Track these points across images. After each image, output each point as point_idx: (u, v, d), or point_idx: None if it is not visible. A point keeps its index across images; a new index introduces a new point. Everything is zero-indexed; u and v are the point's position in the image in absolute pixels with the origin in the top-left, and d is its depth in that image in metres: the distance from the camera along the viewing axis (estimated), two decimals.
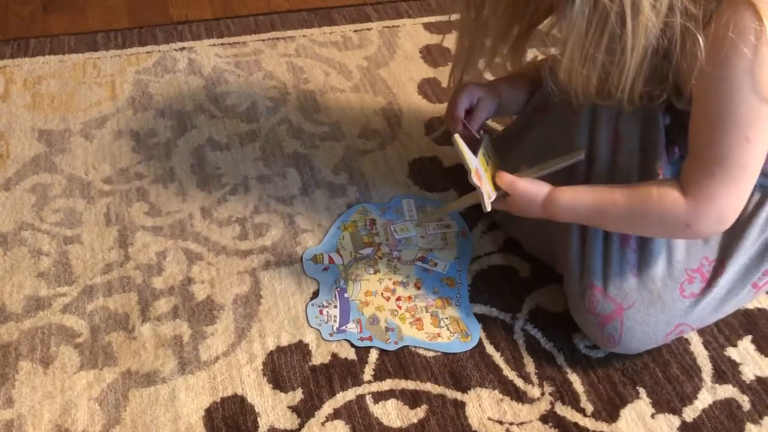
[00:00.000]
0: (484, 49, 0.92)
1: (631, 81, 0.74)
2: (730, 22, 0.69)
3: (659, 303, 0.84)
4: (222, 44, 1.39)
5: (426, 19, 1.47)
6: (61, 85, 1.28)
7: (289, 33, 1.42)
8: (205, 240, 1.02)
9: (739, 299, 0.88)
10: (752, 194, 0.85)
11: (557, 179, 0.86)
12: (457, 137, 0.83)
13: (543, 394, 0.86)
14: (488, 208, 0.84)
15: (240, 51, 1.37)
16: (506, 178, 0.85)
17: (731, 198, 0.76)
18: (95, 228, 1.03)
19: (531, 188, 0.85)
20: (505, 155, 0.97)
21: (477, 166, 0.85)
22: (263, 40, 1.40)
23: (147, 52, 1.36)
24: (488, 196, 0.84)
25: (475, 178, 0.83)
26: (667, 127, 0.86)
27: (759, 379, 0.88)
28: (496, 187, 0.87)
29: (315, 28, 1.44)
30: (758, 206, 0.86)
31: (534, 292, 0.97)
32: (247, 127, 1.21)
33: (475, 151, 0.86)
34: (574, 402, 0.85)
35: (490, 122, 1.13)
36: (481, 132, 0.95)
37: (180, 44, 1.38)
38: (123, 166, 1.13)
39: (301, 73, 1.33)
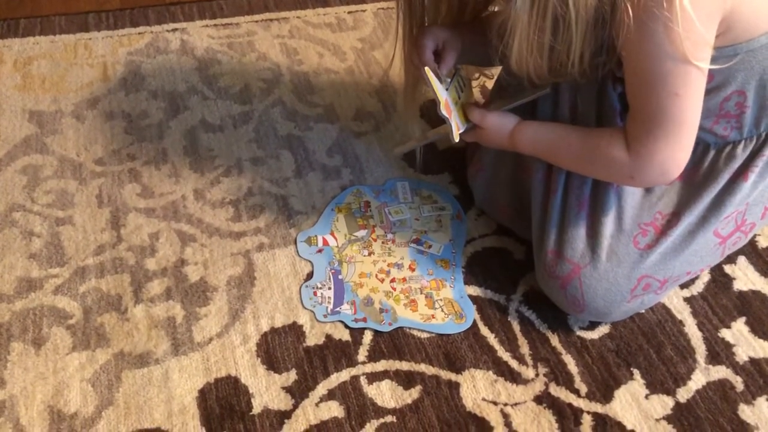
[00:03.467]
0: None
1: (579, 55, 0.78)
2: None
3: (614, 257, 0.86)
4: (215, 25, 1.37)
5: None
6: (52, 66, 1.26)
7: (283, 14, 1.41)
8: (198, 221, 1.02)
9: (701, 247, 0.88)
10: (707, 151, 0.88)
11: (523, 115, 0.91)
12: (427, 70, 0.86)
13: (537, 375, 0.86)
14: (456, 139, 0.87)
15: (233, 32, 1.36)
16: (476, 112, 0.90)
17: (671, 152, 0.79)
18: (87, 209, 1.03)
19: (499, 121, 0.90)
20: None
21: (447, 98, 0.87)
22: (256, 21, 1.38)
23: (139, 33, 1.34)
24: (457, 128, 0.88)
25: (444, 110, 0.85)
26: (620, 95, 0.88)
27: (752, 360, 0.88)
28: (467, 120, 0.90)
29: (309, 9, 1.43)
30: (713, 162, 0.87)
31: (528, 274, 0.97)
32: (241, 108, 1.20)
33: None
34: (568, 383, 0.85)
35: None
36: (456, 67, 0.94)
37: (172, 25, 1.36)
38: (115, 148, 1.12)
39: (295, 54, 1.31)
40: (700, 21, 0.71)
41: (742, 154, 0.87)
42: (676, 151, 0.79)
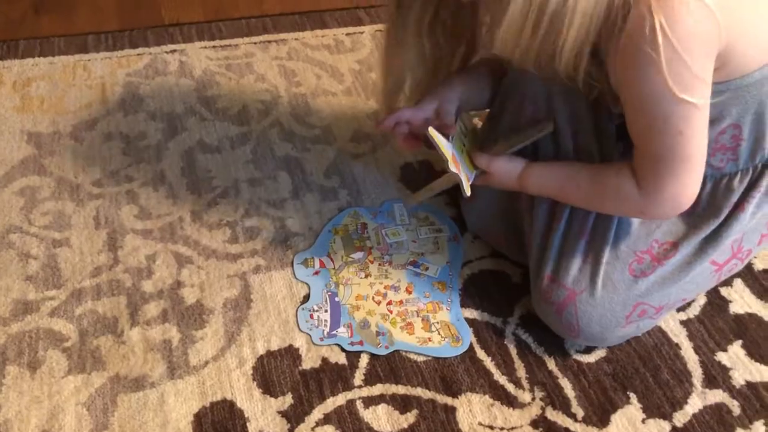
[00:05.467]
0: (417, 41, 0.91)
1: (573, 51, 0.73)
2: (634, 26, 0.70)
3: (609, 284, 0.86)
4: (213, 47, 1.38)
5: None
6: (50, 87, 1.27)
7: (282, 36, 1.42)
8: (195, 243, 1.02)
9: (697, 275, 0.88)
10: (704, 183, 0.86)
11: (527, 154, 0.91)
12: (431, 130, 0.85)
13: (534, 398, 0.86)
14: (468, 193, 0.86)
15: (231, 54, 1.37)
16: (483, 158, 0.90)
17: (681, 187, 0.79)
18: (84, 231, 1.03)
19: (507, 165, 0.90)
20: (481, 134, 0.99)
21: (453, 152, 0.87)
22: (255, 43, 1.39)
23: (138, 55, 1.35)
24: (467, 180, 0.87)
25: (452, 166, 0.85)
26: (618, 126, 0.87)
27: (749, 384, 0.88)
28: (475, 166, 0.90)
29: (307, 31, 1.44)
30: (711, 194, 0.88)
31: (525, 296, 0.97)
32: (238, 129, 1.20)
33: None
34: (564, 407, 0.85)
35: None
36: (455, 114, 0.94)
37: (171, 46, 1.37)
38: (113, 169, 1.12)
39: (293, 76, 1.32)
40: (695, 60, 0.70)
41: (739, 186, 0.87)
42: (686, 186, 0.79)
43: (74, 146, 1.16)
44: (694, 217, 0.88)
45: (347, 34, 1.43)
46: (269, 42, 1.40)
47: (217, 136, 1.19)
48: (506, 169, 0.89)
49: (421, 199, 0.95)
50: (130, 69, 1.32)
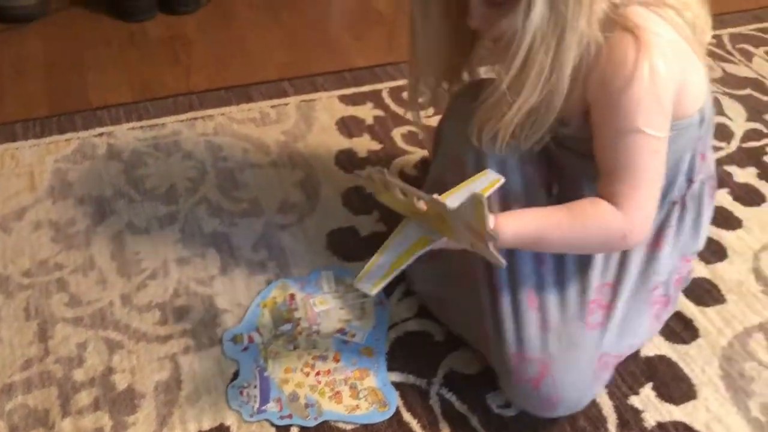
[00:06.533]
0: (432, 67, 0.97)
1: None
2: (613, 51, 0.78)
3: (573, 346, 0.88)
4: (141, 127, 1.41)
5: (341, 92, 1.53)
6: None
7: (208, 112, 1.46)
8: (125, 327, 1.04)
9: (643, 317, 0.94)
10: None
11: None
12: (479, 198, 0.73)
13: None
14: (503, 263, 0.78)
15: (159, 133, 1.40)
16: (448, 203, 0.84)
17: (653, 202, 0.85)
18: (14, 324, 1.04)
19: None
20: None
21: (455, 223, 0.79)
22: (182, 121, 1.43)
23: (66, 140, 1.38)
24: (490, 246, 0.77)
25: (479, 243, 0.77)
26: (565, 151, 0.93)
27: (660, 425, 0.94)
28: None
29: (233, 105, 1.48)
30: None
31: (448, 355, 1.01)
32: (166, 209, 1.23)
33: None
34: None
35: None
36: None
37: (99, 129, 1.40)
38: (42, 258, 1.14)
39: (220, 151, 1.36)
40: (664, 98, 0.80)
41: (653, 223, 0.91)
42: (655, 203, 0.85)
43: (3, 237, 1.17)
44: (623, 254, 0.94)
45: (272, 107, 1.48)
46: (196, 119, 1.44)
47: (145, 216, 1.22)
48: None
49: (381, 286, 0.80)
50: (58, 155, 1.34)
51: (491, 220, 0.78)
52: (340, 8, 1.91)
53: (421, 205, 0.80)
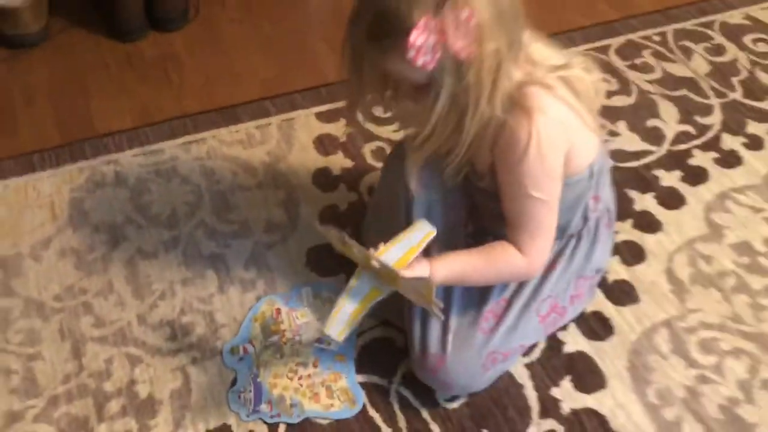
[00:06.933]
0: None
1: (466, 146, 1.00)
2: (511, 130, 0.98)
3: (465, 345, 1.13)
4: (143, 153, 1.60)
5: (317, 109, 1.70)
6: (7, 211, 1.49)
7: (201, 135, 1.64)
8: (143, 344, 1.27)
9: (530, 326, 1.17)
10: None
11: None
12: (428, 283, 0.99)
13: None
14: (442, 316, 1.06)
15: (159, 159, 1.59)
16: (402, 273, 1.00)
17: (549, 244, 1.09)
18: (53, 344, 1.27)
19: (418, 272, 1.03)
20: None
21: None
22: (178, 145, 1.62)
23: (79, 169, 1.57)
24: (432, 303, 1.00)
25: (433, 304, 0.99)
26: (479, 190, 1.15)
27: (573, 411, 1.17)
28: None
29: (222, 128, 1.66)
30: None
31: (406, 359, 1.24)
32: (169, 234, 1.44)
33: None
34: None
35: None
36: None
37: (106, 157, 1.59)
38: (69, 284, 1.36)
39: (212, 174, 1.56)
40: (551, 164, 1.00)
41: (549, 253, 1.14)
42: (550, 243, 1.09)
43: (35, 266, 1.39)
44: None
45: (257, 127, 1.66)
46: (190, 143, 1.62)
47: (152, 241, 1.43)
48: (418, 274, 1.03)
49: (346, 334, 1.02)
50: (73, 184, 1.54)
51: (425, 268, 1.03)
52: (318, 17, 2.05)
53: (375, 264, 1.01)
